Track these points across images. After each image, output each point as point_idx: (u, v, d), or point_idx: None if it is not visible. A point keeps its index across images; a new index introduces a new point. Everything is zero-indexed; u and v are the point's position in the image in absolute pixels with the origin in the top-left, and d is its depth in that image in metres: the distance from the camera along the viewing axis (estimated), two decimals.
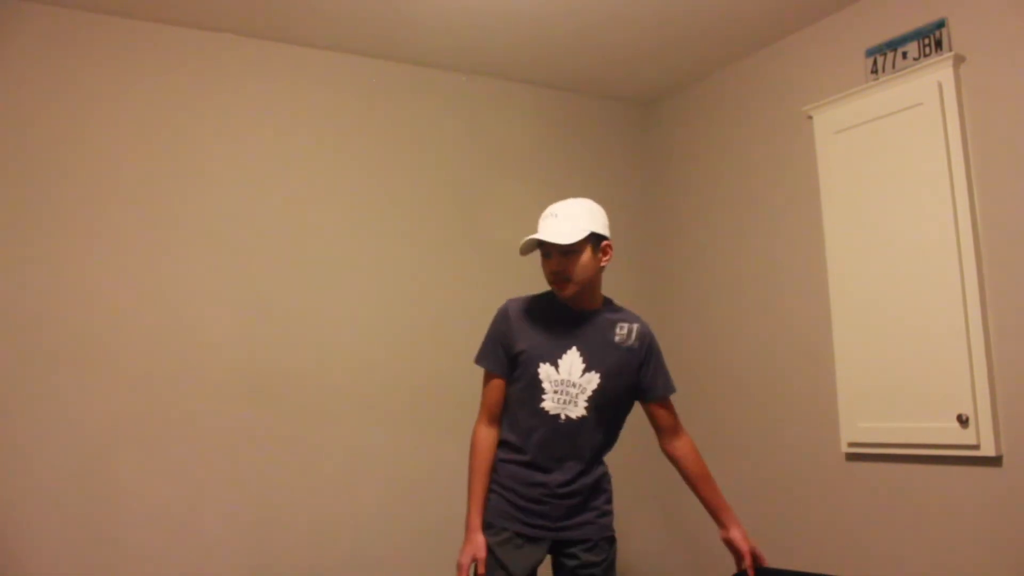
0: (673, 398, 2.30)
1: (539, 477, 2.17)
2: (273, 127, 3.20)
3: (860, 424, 2.92)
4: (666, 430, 2.29)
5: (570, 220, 2.13)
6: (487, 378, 2.26)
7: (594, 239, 2.16)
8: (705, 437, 3.63)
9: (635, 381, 2.24)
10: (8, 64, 2.80)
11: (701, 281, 3.70)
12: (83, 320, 2.81)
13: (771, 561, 2.16)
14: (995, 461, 2.54)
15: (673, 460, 2.30)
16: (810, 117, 3.15)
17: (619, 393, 2.23)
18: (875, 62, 2.95)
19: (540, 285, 2.25)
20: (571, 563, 2.18)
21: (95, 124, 2.91)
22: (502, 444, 2.24)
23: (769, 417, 3.32)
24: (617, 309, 2.29)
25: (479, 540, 2.13)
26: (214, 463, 2.93)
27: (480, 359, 2.27)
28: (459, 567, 2.11)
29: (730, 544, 2.17)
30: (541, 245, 2.17)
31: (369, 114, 3.39)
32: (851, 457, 2.98)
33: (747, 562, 2.09)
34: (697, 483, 2.25)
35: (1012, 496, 2.49)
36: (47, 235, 2.80)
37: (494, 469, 2.23)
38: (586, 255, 2.15)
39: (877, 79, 2.92)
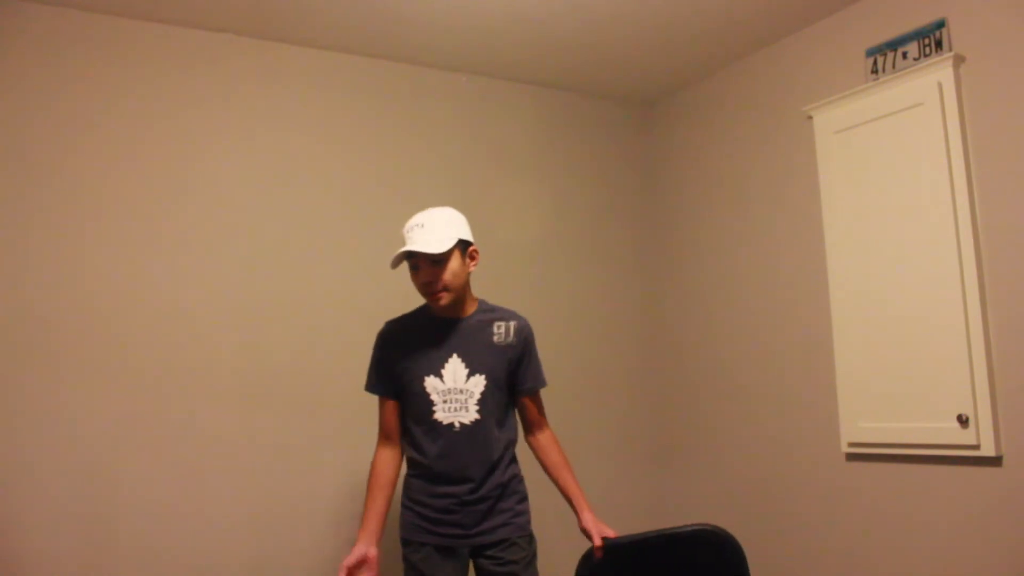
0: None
1: (446, 488, 2.22)
2: (273, 127, 3.20)
3: (860, 424, 2.92)
4: (532, 423, 2.38)
5: (436, 229, 2.19)
6: (380, 402, 2.35)
7: (461, 245, 2.23)
8: (705, 437, 3.65)
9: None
10: (8, 64, 2.80)
11: (701, 281, 3.70)
12: (83, 320, 2.81)
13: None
14: (995, 461, 2.54)
15: (534, 450, 2.38)
16: (810, 117, 3.15)
17: (506, 391, 2.30)
18: (875, 62, 2.95)
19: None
20: (490, 564, 2.23)
21: (95, 124, 2.91)
22: (408, 461, 2.32)
23: (769, 417, 3.33)
24: (491, 309, 2.36)
25: (355, 549, 2.16)
26: (216, 462, 2.93)
27: (368, 386, 2.36)
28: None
29: (583, 530, 2.23)
30: (410, 257, 2.21)
31: (369, 114, 3.39)
32: (851, 457, 2.98)
33: (596, 543, 2.16)
34: (555, 473, 2.33)
35: (1012, 496, 2.50)
36: (47, 235, 2.80)
37: (406, 486, 2.31)
38: (455, 262, 2.21)
39: (877, 79, 2.92)
